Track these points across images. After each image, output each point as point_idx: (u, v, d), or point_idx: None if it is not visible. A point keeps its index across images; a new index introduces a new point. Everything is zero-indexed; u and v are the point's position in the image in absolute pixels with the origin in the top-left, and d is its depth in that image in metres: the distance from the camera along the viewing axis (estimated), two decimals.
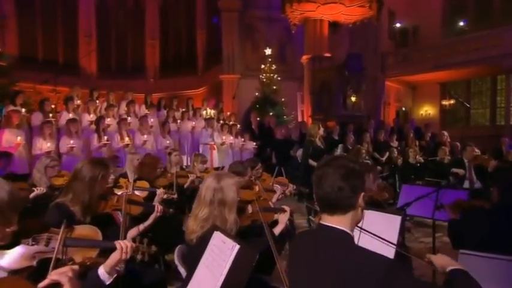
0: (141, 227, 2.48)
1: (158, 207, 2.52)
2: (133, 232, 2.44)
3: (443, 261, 1.49)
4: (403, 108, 14.34)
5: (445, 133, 8.94)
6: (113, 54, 15.45)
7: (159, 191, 3.29)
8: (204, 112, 9.03)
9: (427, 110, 14.49)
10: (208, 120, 7.96)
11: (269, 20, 12.80)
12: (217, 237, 1.72)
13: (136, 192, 3.37)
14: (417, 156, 6.78)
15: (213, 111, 9.28)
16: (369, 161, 6.90)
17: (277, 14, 11.25)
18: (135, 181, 3.50)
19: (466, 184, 6.15)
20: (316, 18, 10.36)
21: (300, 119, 10.83)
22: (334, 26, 10.92)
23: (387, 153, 8.13)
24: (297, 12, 9.86)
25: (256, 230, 2.44)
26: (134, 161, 4.45)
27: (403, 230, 2.59)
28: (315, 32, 10.42)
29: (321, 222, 1.39)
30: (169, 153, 5.70)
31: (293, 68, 12.69)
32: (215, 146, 7.71)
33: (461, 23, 13.46)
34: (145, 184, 3.49)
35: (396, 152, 7.90)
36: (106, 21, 15.17)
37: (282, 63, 13.00)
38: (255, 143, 8.79)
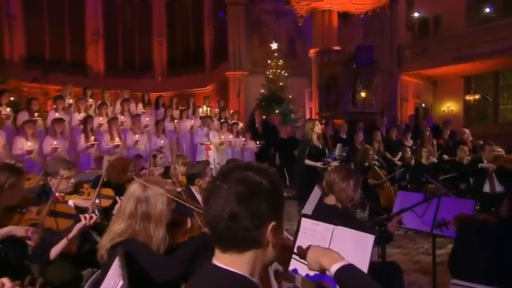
0: (65, 240, 2.13)
1: (87, 217, 2.10)
2: (57, 248, 2.09)
3: (320, 257, 1.13)
4: (423, 105, 13.55)
5: (466, 131, 8.26)
6: (120, 53, 15.43)
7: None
8: (200, 110, 8.71)
9: (450, 106, 13.64)
10: (204, 119, 7.62)
11: (277, 13, 12.36)
12: (115, 265, 1.36)
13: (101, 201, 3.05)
14: (431, 157, 6.19)
15: (209, 109, 8.93)
16: (377, 162, 6.39)
17: (285, 6, 10.82)
18: (101, 187, 3.15)
19: (486, 188, 5.53)
20: (325, 9, 9.84)
21: (308, 117, 10.34)
22: (344, 17, 10.36)
23: (400, 153, 7.59)
24: (303, 2, 9.38)
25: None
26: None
27: (383, 247, 2.14)
28: (323, 24, 9.90)
29: (213, 260, 0.97)
30: (154, 156, 5.41)
31: (303, 63, 12.19)
32: (211, 146, 7.36)
33: (487, 10, 12.52)
34: (110, 192, 3.14)
35: (410, 152, 7.34)
36: (113, 19, 15.14)
37: (292, 58, 12.54)
38: (257, 142, 8.43)
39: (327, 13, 9.93)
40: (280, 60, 10.85)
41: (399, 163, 7.19)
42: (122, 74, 14.77)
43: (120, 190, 3.77)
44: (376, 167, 6.25)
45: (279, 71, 10.63)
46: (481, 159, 5.79)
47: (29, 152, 5.36)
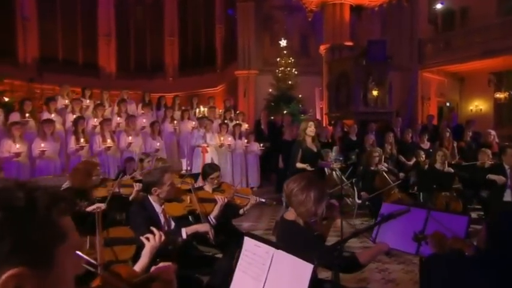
0: None
1: None
2: None
3: None
4: (448, 104, 12.77)
5: (492, 132, 7.61)
6: (132, 54, 15.56)
7: None
8: (197, 110, 8.50)
9: (478, 105, 12.78)
10: (201, 120, 7.40)
11: (289, 9, 12.01)
12: None
13: None
14: (446, 161, 5.66)
15: (206, 109, 8.71)
16: (383, 167, 5.94)
17: (298, 2, 10.46)
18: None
19: (508, 196, 4.99)
20: (336, 2, 9.40)
21: (318, 117, 9.92)
22: (358, 10, 9.87)
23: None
24: None
25: None
26: None
27: (336, 273, 1.81)
28: (334, 18, 9.46)
29: None
30: (141, 160, 5.23)
31: (316, 61, 11.77)
32: (207, 149, 7.13)
33: None
34: None
35: (424, 156, 6.82)
36: (125, 20, 15.29)
37: (304, 56, 12.17)
38: (261, 145, 8.13)
39: (338, 7, 9.50)
40: (291, 58, 10.48)
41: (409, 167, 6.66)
42: (133, 75, 14.89)
43: (83, 196, 3.61)
44: (383, 172, 5.82)
45: (288, 69, 10.27)
46: (502, 164, 5.25)
47: (17, 154, 5.31)
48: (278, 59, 10.45)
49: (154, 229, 1.80)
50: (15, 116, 6.13)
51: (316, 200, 2.06)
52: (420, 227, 2.42)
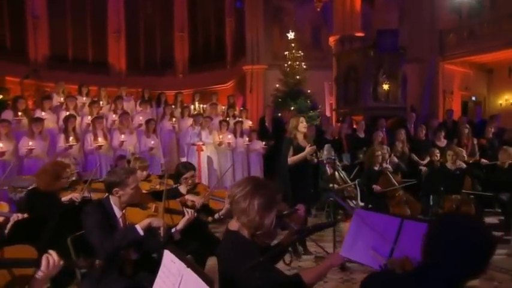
0: None
1: None
2: None
3: None
4: (473, 98, 12.04)
5: None
6: (141, 51, 15.62)
7: (14, 216, 2.59)
8: (192, 107, 8.32)
9: (508, 99, 11.99)
10: (196, 117, 7.22)
11: (300, 0, 11.68)
12: None
13: None
14: (457, 161, 5.22)
15: (202, 106, 8.52)
16: (389, 167, 5.56)
17: None
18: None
19: None
20: None
21: (327, 114, 9.53)
22: None
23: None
24: None
25: None
26: None
27: None
28: (344, 7, 9.05)
29: None
30: (129, 161, 5.08)
31: (328, 54, 11.38)
32: (203, 147, 6.94)
33: None
34: (4, 207, 2.82)
35: (439, 154, 6.38)
36: (135, 16, 15.35)
37: (316, 49, 11.81)
38: (263, 143, 7.87)
39: None
40: (300, 52, 10.13)
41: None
42: (143, 72, 14.94)
43: (49, 200, 3.46)
44: (388, 172, 5.44)
45: (297, 63, 9.92)
46: None
47: (1, 153, 5.30)
48: (286, 53, 10.14)
49: (53, 253, 1.57)
50: (8, 114, 6.16)
51: (261, 208, 1.79)
52: (392, 237, 2.13)
